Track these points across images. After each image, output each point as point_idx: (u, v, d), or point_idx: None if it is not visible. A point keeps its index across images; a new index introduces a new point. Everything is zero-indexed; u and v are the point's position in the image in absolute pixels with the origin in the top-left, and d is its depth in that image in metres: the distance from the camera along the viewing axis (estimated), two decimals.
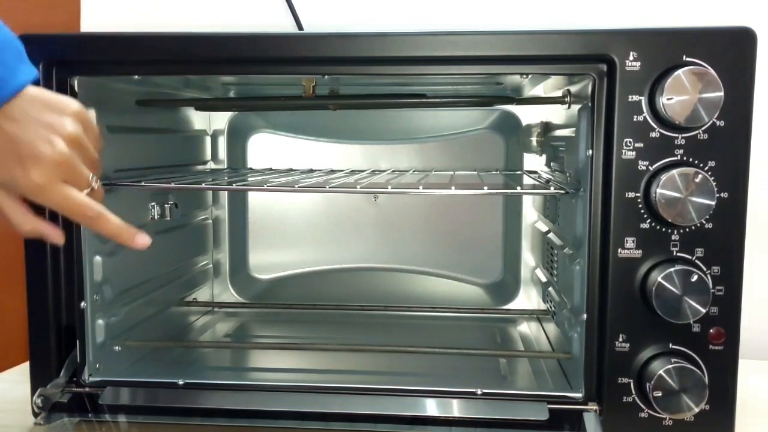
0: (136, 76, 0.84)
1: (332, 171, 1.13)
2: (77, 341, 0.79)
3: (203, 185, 0.89)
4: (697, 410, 0.70)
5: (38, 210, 0.68)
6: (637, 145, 0.70)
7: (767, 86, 0.85)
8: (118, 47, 0.76)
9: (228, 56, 0.75)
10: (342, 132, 1.17)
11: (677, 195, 0.69)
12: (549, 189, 0.88)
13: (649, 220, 0.71)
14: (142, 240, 0.68)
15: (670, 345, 0.72)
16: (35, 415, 0.78)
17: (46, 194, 0.62)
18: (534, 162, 1.13)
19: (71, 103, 0.65)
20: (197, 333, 1.06)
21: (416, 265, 1.18)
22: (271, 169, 1.17)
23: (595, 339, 0.73)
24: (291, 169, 1.17)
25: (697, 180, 0.68)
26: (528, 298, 1.16)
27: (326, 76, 0.84)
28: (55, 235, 0.69)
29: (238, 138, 1.19)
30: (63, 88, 0.75)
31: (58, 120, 0.63)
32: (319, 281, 1.20)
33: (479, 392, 0.76)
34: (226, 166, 1.20)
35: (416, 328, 1.09)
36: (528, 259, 1.16)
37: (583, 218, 0.74)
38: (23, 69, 0.63)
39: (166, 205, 0.98)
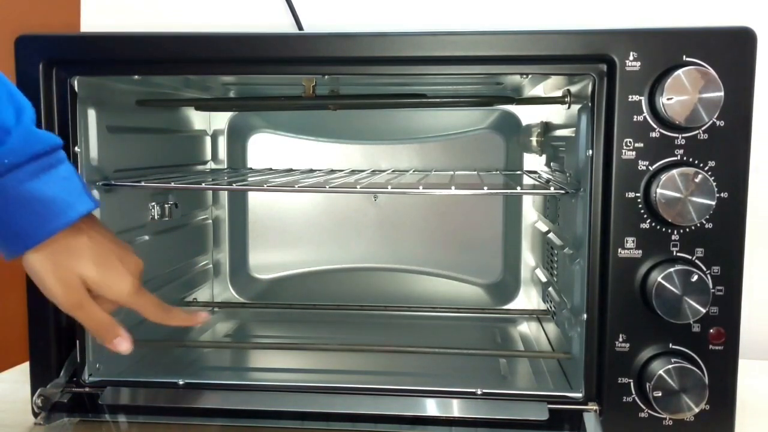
0: (136, 76, 0.84)
1: (332, 171, 1.12)
2: (77, 341, 0.79)
3: (203, 185, 0.89)
4: (697, 410, 0.70)
5: None
6: (637, 145, 0.70)
7: (767, 86, 0.85)
8: (118, 47, 0.76)
9: (228, 56, 0.75)
10: (342, 132, 1.17)
11: (677, 195, 0.68)
12: (549, 189, 0.88)
13: (649, 220, 0.71)
14: (204, 318, 0.75)
15: (670, 345, 0.72)
16: (35, 415, 0.78)
17: (137, 296, 0.67)
18: (534, 162, 1.13)
19: None
20: (197, 333, 1.06)
21: (416, 265, 1.18)
22: (271, 169, 1.17)
23: (595, 339, 0.73)
24: (291, 169, 1.17)
25: (697, 180, 0.68)
26: (528, 298, 1.16)
27: (326, 76, 0.84)
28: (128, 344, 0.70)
29: (238, 138, 1.19)
30: (63, 88, 0.76)
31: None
32: (319, 281, 1.20)
33: (479, 392, 0.76)
34: (226, 166, 1.20)
35: (416, 328, 1.09)
36: (528, 259, 1.16)
37: (583, 218, 0.74)
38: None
39: (166, 205, 0.98)
